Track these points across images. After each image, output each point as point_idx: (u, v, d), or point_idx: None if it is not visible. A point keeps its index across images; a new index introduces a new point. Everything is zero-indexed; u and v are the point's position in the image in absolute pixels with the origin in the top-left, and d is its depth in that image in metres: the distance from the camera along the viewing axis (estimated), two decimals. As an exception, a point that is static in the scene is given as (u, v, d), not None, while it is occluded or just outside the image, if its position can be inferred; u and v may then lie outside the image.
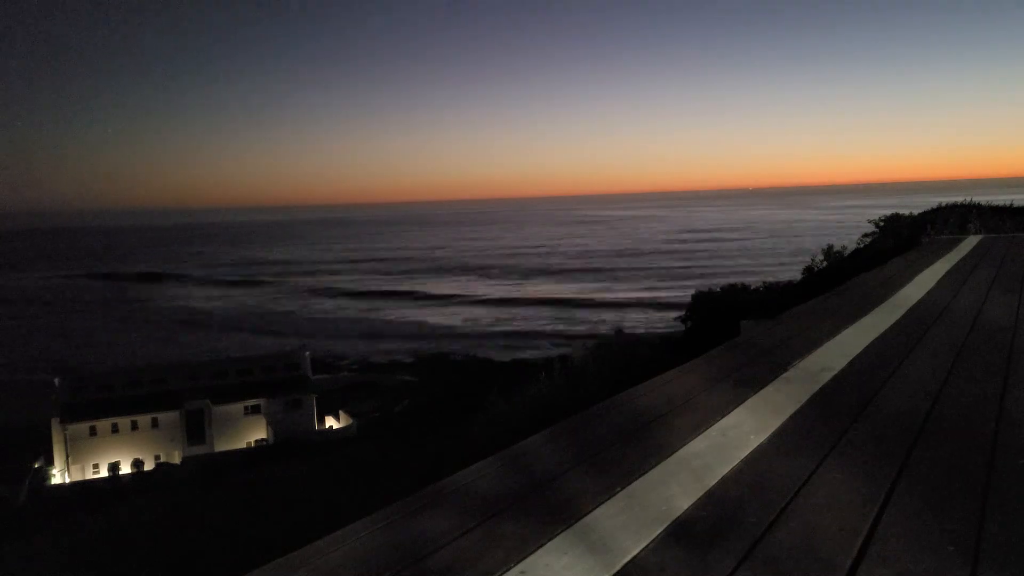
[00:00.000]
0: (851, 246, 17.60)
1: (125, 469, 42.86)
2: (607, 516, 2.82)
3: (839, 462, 3.29)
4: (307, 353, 51.11)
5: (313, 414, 47.95)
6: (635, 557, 2.47)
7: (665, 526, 2.69)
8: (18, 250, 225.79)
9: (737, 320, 8.08)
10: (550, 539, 2.63)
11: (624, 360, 8.33)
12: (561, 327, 73.64)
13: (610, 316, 74.67)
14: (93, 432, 44.00)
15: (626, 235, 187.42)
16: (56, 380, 45.53)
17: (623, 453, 3.57)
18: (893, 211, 20.36)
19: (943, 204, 21.73)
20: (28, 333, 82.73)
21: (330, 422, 48.71)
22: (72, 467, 43.25)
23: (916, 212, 20.89)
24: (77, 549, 21.80)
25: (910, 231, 17.68)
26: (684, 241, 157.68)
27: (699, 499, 2.93)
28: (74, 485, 41.00)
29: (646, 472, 3.27)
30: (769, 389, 4.66)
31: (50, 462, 43.10)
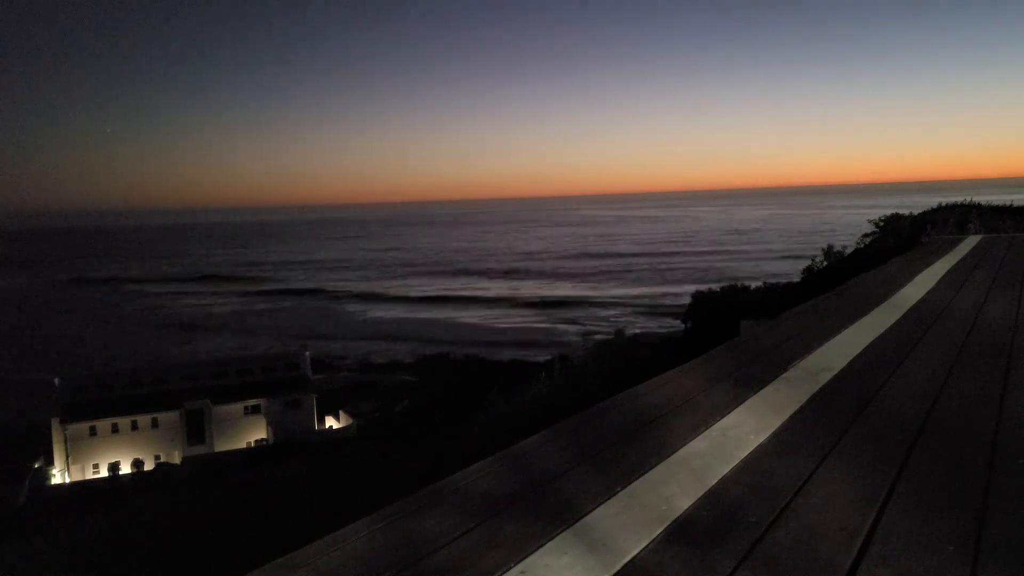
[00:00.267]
0: (851, 246, 17.61)
1: (125, 469, 42.86)
2: (607, 516, 2.82)
3: (839, 462, 3.29)
4: (307, 353, 51.12)
5: (313, 414, 47.96)
6: (635, 557, 2.46)
7: (665, 526, 2.69)
8: (14, 250, 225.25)
9: (737, 320, 8.09)
10: (550, 539, 2.63)
11: (624, 360, 8.33)
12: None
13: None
14: (93, 432, 44.00)
15: (681, 231, 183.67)
16: (56, 380, 45.54)
17: (623, 453, 3.57)
18: (893, 211, 20.37)
19: (943, 204, 21.75)
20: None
21: (330, 422, 48.71)
22: (72, 467, 43.25)
23: (916, 212, 20.90)
24: (77, 549, 21.79)
25: (910, 231, 17.69)
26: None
27: (699, 499, 2.93)
28: (74, 485, 41.00)
29: (646, 472, 3.27)
30: (769, 389, 4.66)
31: (50, 462, 43.11)
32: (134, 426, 44.98)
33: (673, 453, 3.51)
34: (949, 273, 10.58)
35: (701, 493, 2.99)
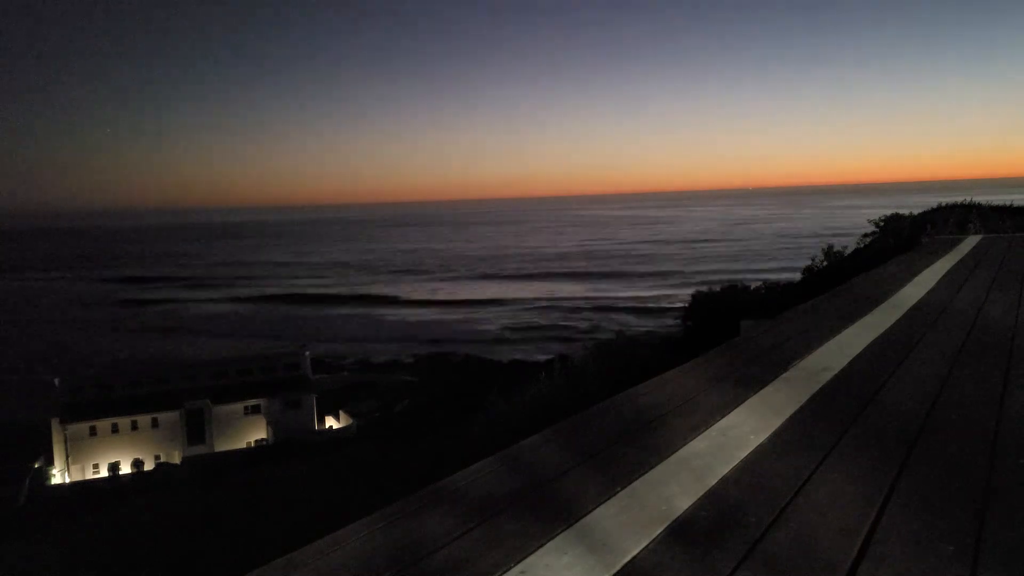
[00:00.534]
0: (851, 246, 17.61)
1: (125, 469, 42.88)
2: (607, 516, 2.82)
3: (839, 462, 3.29)
4: (307, 353, 51.13)
5: (313, 414, 47.97)
6: (635, 557, 2.47)
7: (665, 526, 2.69)
8: (13, 251, 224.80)
9: (737, 320, 8.09)
10: (550, 539, 2.63)
11: (624, 360, 8.33)
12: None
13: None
14: (93, 432, 44.01)
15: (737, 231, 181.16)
16: (56, 380, 45.55)
17: (623, 453, 3.57)
18: (893, 211, 20.37)
19: (943, 204, 21.75)
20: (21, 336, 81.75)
21: (330, 422, 48.72)
22: (72, 467, 43.26)
23: (916, 212, 20.90)
24: (77, 549, 21.80)
25: (910, 231, 17.68)
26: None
27: (699, 499, 2.93)
28: (74, 485, 41.01)
29: (646, 472, 3.27)
30: (769, 389, 4.66)
31: (50, 462, 43.11)
32: (134, 426, 44.99)
33: (673, 453, 3.51)
34: (949, 273, 10.58)
35: (701, 493, 2.99)
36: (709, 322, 10.59)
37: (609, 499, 2.98)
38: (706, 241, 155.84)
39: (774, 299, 11.60)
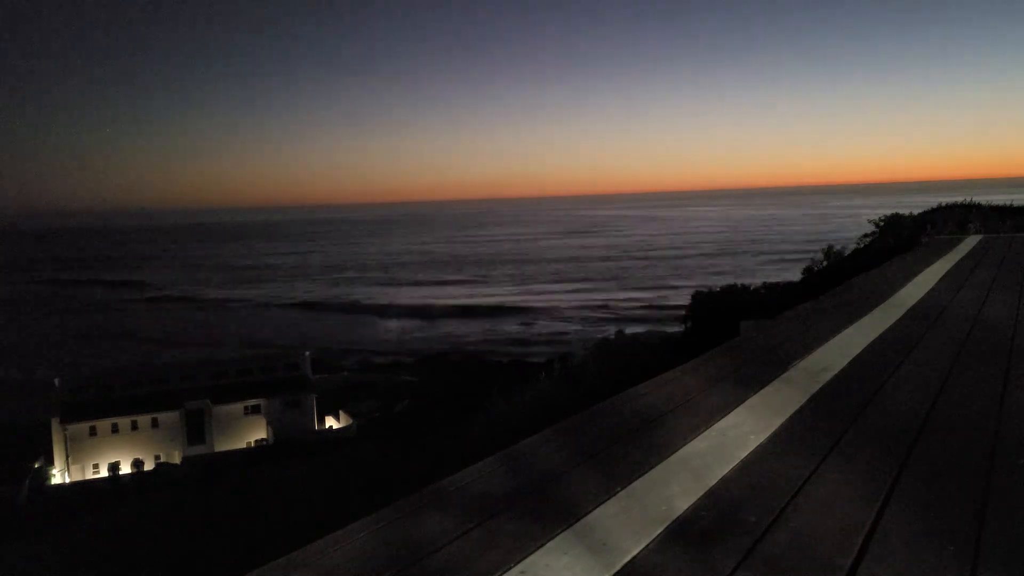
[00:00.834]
0: (851, 246, 17.61)
1: (125, 469, 42.86)
2: (607, 516, 2.82)
3: (839, 462, 3.29)
4: (307, 353, 51.14)
5: (313, 414, 47.95)
6: (635, 557, 2.46)
7: (665, 526, 2.69)
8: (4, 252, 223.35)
9: (737, 320, 8.09)
10: (550, 539, 2.63)
11: (624, 360, 8.33)
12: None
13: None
14: (93, 432, 44.01)
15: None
16: (56, 380, 45.56)
17: (623, 453, 3.57)
18: (893, 211, 20.35)
19: (943, 204, 21.73)
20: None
21: (330, 422, 48.71)
22: (72, 467, 43.25)
23: (916, 212, 20.89)
24: (77, 549, 21.79)
25: (910, 231, 17.68)
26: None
27: (699, 499, 2.93)
28: (74, 485, 41.00)
29: (646, 472, 3.27)
30: (769, 389, 4.66)
31: (50, 462, 43.11)
32: (134, 426, 44.99)
33: (673, 453, 3.51)
34: (949, 273, 10.57)
35: (701, 493, 2.99)
36: (709, 322, 10.59)
37: (609, 499, 2.98)
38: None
39: (774, 299, 11.60)
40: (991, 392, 4.38)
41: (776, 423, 3.92)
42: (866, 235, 18.58)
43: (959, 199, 22.47)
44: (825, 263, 15.39)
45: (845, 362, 5.33)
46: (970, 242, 15.59)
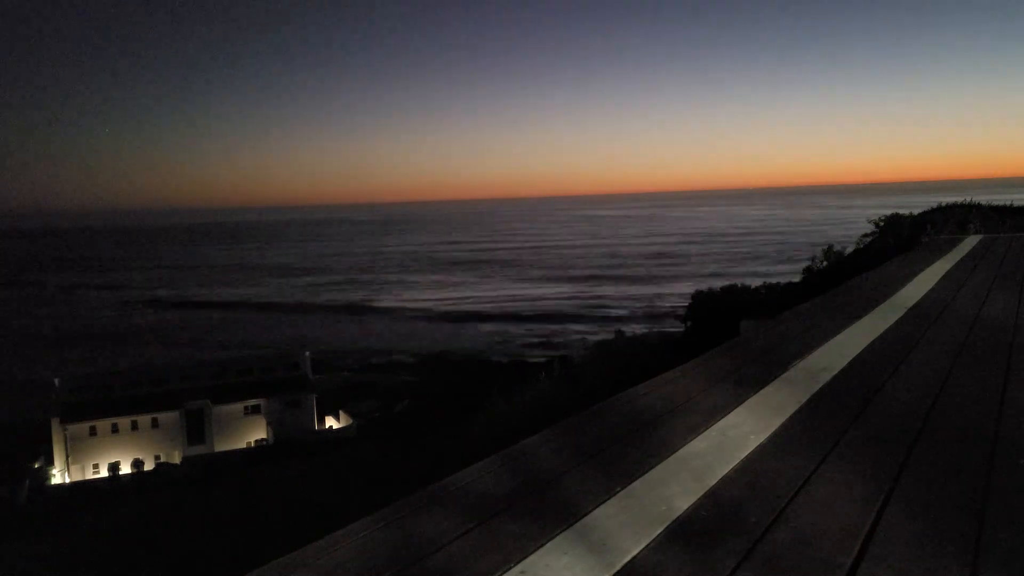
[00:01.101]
0: (851, 246, 17.61)
1: (125, 469, 42.88)
2: (607, 516, 2.82)
3: (839, 462, 3.29)
4: (307, 353, 51.15)
5: (313, 414, 47.97)
6: (635, 557, 2.46)
7: (665, 526, 2.69)
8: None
9: (737, 320, 8.09)
10: (550, 539, 2.63)
11: (624, 360, 8.33)
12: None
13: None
14: (93, 432, 44.02)
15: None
16: (56, 380, 45.57)
17: (623, 453, 3.57)
18: (893, 211, 20.35)
19: (943, 204, 21.72)
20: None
21: (330, 422, 48.72)
22: (72, 467, 43.26)
23: (916, 212, 20.88)
24: (77, 549, 21.80)
25: (910, 231, 17.68)
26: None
27: (699, 499, 2.93)
28: (74, 485, 41.01)
29: (646, 472, 3.27)
30: (769, 389, 4.66)
31: (50, 462, 43.13)
32: (134, 426, 45.00)
33: (673, 453, 3.51)
34: (949, 273, 10.57)
35: (701, 493, 2.99)
36: (709, 322, 10.60)
37: (609, 499, 2.98)
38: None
39: (774, 299, 11.61)
40: (991, 392, 4.38)
41: (776, 423, 3.92)
42: (866, 235, 18.57)
43: (959, 199, 22.46)
44: (825, 263, 15.39)
45: (845, 362, 5.33)
46: (970, 242, 15.59)
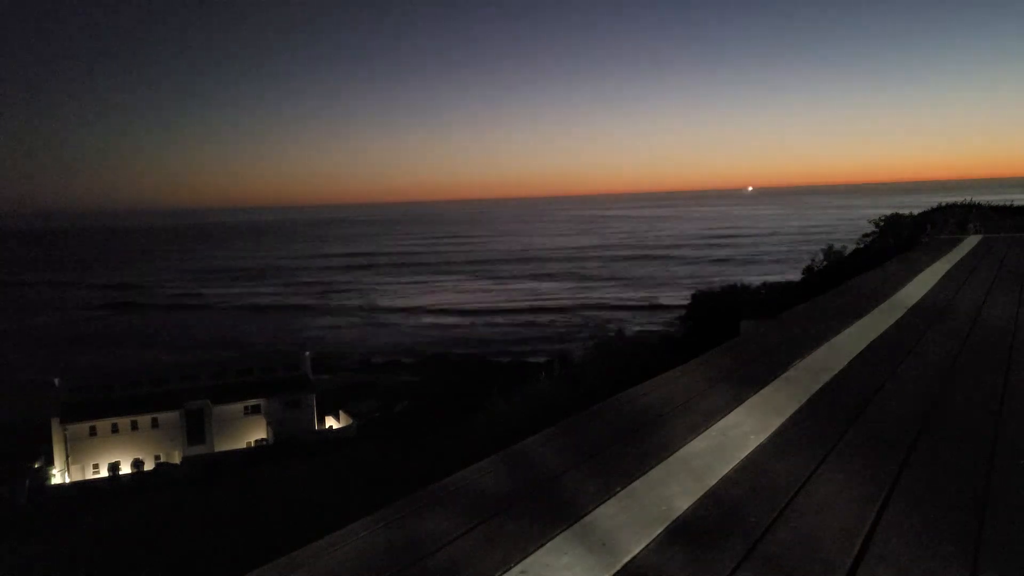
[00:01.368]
0: (851, 246, 17.61)
1: (125, 469, 42.87)
2: (607, 516, 2.82)
3: (839, 462, 3.29)
4: (307, 353, 51.14)
5: (313, 414, 47.95)
6: (635, 557, 2.46)
7: (665, 526, 2.69)
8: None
9: (737, 320, 8.08)
10: (550, 539, 2.63)
11: (624, 360, 8.33)
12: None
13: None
14: (93, 432, 44.01)
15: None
16: (56, 380, 45.54)
17: (623, 453, 3.57)
18: (893, 211, 20.35)
19: (943, 204, 21.73)
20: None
21: (330, 422, 48.71)
22: (72, 467, 43.25)
23: (916, 212, 20.89)
24: (77, 549, 21.79)
25: (910, 231, 17.68)
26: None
27: (699, 499, 2.93)
28: (74, 485, 40.99)
29: (646, 472, 3.27)
30: (769, 389, 4.66)
31: (50, 462, 43.11)
32: (134, 426, 44.98)
33: (673, 453, 3.51)
34: (949, 273, 10.57)
35: (701, 493, 2.99)
36: (709, 322, 10.59)
37: (609, 499, 2.98)
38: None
39: (774, 299, 11.60)
40: (991, 392, 4.38)
41: (776, 423, 3.92)
42: (866, 235, 18.57)
43: (959, 199, 22.47)
44: (825, 263, 15.39)
45: (845, 362, 5.33)
46: (970, 242, 15.59)
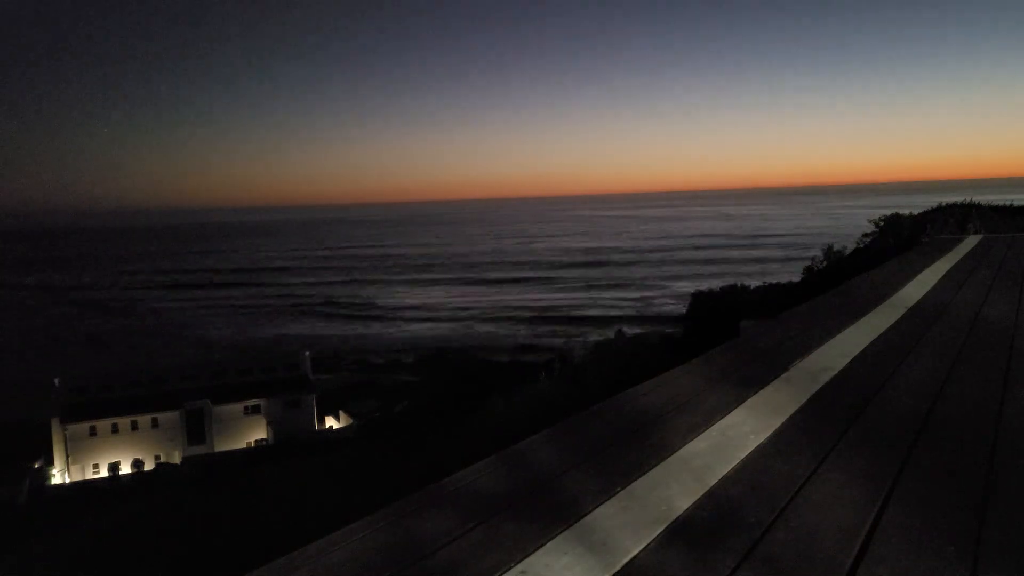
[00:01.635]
0: (851, 246, 17.62)
1: (125, 469, 42.88)
2: (607, 516, 2.82)
3: (839, 462, 3.29)
4: (307, 353, 51.17)
5: (313, 414, 47.97)
6: (635, 557, 2.46)
7: (665, 526, 2.69)
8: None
9: (737, 320, 8.09)
10: (550, 539, 2.63)
11: (624, 360, 8.33)
12: None
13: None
14: (93, 432, 44.02)
15: None
16: (56, 380, 45.55)
17: (623, 453, 3.57)
18: (893, 211, 20.34)
19: (943, 204, 21.73)
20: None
21: (330, 422, 48.73)
22: (72, 467, 43.27)
23: (916, 212, 20.88)
24: (77, 549, 21.80)
25: (910, 231, 17.68)
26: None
27: (699, 499, 2.93)
28: (74, 485, 41.01)
29: (646, 472, 3.27)
30: (769, 389, 4.66)
31: (50, 462, 43.12)
32: (134, 426, 45.00)
33: (673, 453, 3.51)
34: (949, 273, 10.57)
35: (701, 493, 2.99)
36: (709, 322, 10.60)
37: (609, 499, 2.98)
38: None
39: (774, 299, 11.61)
40: (991, 392, 4.38)
41: (776, 423, 3.92)
42: (866, 235, 18.57)
43: (959, 199, 22.47)
44: (825, 263, 15.40)
45: (845, 362, 5.33)
46: (970, 242, 15.59)
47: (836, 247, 16.34)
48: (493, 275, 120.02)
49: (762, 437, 3.69)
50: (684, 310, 13.26)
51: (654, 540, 2.58)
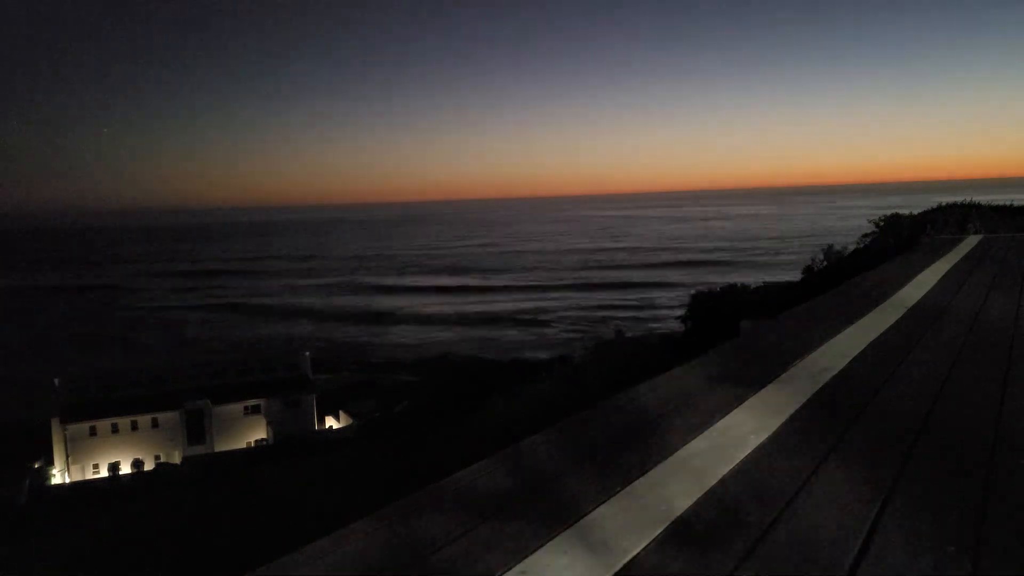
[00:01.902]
0: (851, 246, 17.62)
1: (125, 469, 42.86)
2: (607, 516, 2.82)
3: (839, 462, 3.29)
4: (307, 353, 51.16)
5: (313, 414, 47.96)
6: (635, 557, 2.46)
7: (665, 526, 2.69)
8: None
9: (737, 320, 8.09)
10: (550, 539, 2.63)
11: (624, 360, 8.34)
12: None
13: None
14: (93, 432, 44.01)
15: None
16: (56, 380, 45.54)
17: (623, 453, 3.57)
18: (893, 211, 20.33)
19: (943, 204, 21.72)
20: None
21: (330, 422, 48.72)
22: (72, 467, 43.26)
23: (916, 212, 20.87)
24: (77, 549, 21.79)
25: (910, 231, 17.67)
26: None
27: (699, 499, 2.93)
28: (74, 485, 41.00)
29: (646, 472, 3.27)
30: (769, 389, 4.66)
31: (50, 462, 43.11)
32: (134, 426, 44.98)
33: (673, 453, 3.51)
34: (949, 273, 10.57)
35: (701, 493, 2.99)
36: (709, 322, 10.60)
37: (609, 499, 2.98)
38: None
39: (774, 299, 11.61)
40: (991, 392, 4.38)
41: (776, 423, 3.92)
42: (866, 235, 18.57)
43: (959, 199, 22.46)
44: (825, 263, 15.39)
45: (845, 362, 5.33)
46: (970, 242, 15.58)
47: (836, 247, 16.34)
48: (494, 275, 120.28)
49: (762, 437, 3.69)
50: (684, 310, 13.26)
51: (654, 540, 2.58)
